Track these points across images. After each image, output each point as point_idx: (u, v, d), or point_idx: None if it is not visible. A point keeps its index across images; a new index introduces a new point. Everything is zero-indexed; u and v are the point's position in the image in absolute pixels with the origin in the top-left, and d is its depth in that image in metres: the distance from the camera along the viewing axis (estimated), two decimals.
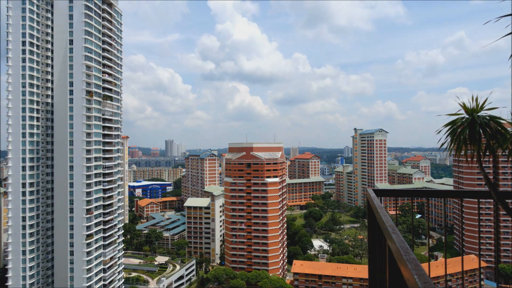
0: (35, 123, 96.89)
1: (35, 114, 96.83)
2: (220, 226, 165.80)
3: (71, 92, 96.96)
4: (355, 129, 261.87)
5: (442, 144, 5.08)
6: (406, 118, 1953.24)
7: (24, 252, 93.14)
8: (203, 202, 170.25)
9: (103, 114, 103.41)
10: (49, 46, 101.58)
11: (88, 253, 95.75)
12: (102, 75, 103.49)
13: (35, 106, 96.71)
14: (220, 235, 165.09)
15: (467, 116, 5.00)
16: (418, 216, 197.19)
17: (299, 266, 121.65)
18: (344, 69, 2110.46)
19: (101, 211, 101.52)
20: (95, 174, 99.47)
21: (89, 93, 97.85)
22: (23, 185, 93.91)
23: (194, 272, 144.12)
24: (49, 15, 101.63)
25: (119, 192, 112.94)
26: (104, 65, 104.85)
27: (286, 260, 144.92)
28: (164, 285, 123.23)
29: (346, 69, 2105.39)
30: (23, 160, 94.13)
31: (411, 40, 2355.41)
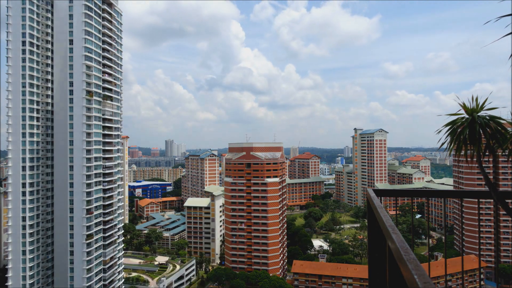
0: (35, 123, 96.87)
1: (35, 114, 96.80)
2: (220, 226, 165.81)
3: (71, 92, 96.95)
4: (355, 129, 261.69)
5: (442, 144, 5.09)
6: (403, 118, 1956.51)
7: (24, 252, 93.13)
8: (203, 202, 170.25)
9: (103, 114, 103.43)
10: (49, 46, 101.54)
11: (88, 253, 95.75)
12: (102, 75, 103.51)
13: (35, 106, 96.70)
14: (220, 235, 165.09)
15: (467, 116, 5.00)
16: (418, 216, 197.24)
17: (299, 266, 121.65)
18: (332, 73, 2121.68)
19: (101, 211, 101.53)
20: (95, 174, 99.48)
21: (89, 93, 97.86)
22: (23, 185, 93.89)
23: (194, 272, 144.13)
24: (49, 15, 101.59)
25: (119, 192, 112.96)
26: (104, 65, 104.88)
27: (286, 260, 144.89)
28: (164, 285, 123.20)
29: (335, 73, 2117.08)
30: (23, 160, 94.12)
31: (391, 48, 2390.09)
